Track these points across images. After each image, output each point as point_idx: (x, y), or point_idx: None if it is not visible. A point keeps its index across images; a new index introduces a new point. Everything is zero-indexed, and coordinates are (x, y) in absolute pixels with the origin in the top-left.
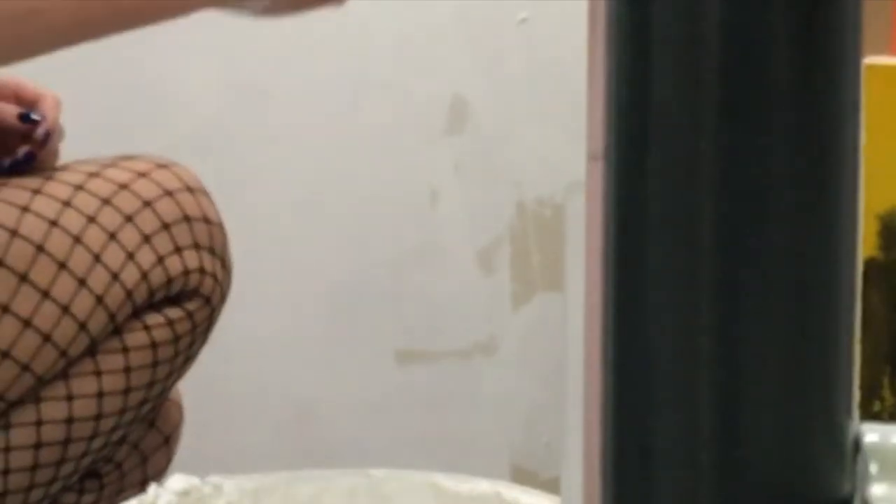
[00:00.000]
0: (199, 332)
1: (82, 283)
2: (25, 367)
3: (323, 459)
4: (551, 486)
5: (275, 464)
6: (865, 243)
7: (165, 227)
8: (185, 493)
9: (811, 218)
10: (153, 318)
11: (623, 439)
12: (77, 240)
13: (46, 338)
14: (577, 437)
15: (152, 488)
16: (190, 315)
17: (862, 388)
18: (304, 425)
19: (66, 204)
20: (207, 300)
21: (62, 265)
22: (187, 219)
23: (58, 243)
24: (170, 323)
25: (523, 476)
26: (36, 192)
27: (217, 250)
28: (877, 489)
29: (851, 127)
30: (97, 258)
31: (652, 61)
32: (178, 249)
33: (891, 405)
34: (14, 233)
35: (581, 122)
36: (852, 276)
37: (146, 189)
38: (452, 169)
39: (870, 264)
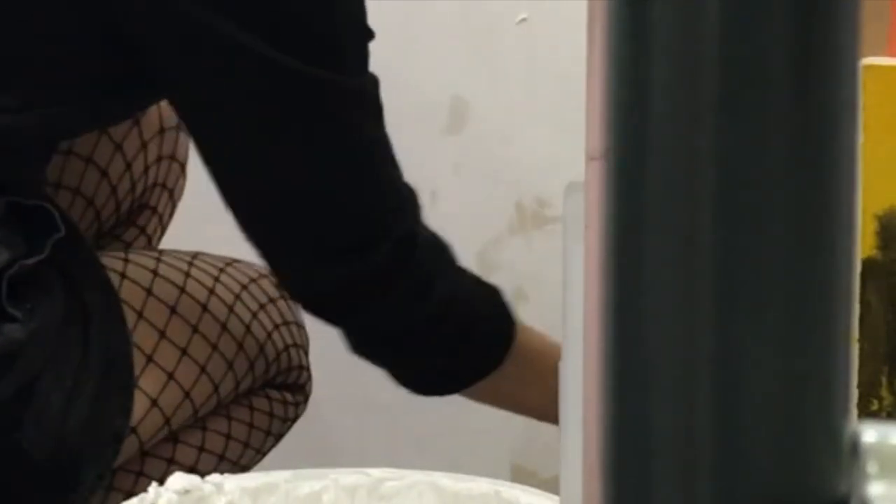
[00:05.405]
0: (288, 423)
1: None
2: (167, 422)
3: (323, 459)
4: (551, 485)
5: (275, 463)
6: (863, 243)
7: (285, 323)
8: (185, 492)
9: (809, 217)
10: (259, 401)
11: (622, 438)
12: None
13: (186, 394)
14: (576, 436)
15: (153, 487)
16: (295, 405)
17: (860, 386)
18: (305, 425)
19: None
20: (306, 398)
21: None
22: (286, 323)
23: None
24: (272, 405)
25: (523, 475)
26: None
27: (306, 351)
28: (875, 488)
29: (849, 127)
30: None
31: (651, 61)
32: (289, 345)
33: (889, 404)
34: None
35: (581, 122)
36: (850, 275)
37: (265, 288)
38: (452, 169)
39: (868, 264)
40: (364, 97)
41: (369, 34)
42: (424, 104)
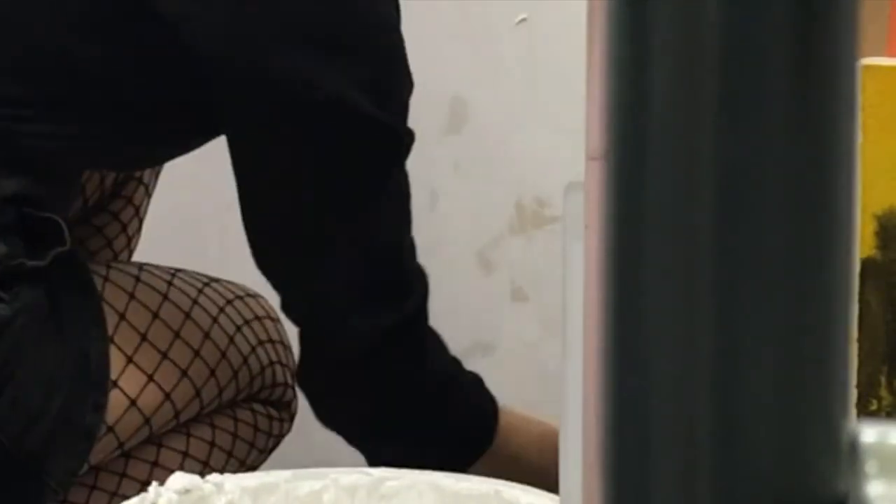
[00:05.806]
0: (273, 438)
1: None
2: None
3: (323, 459)
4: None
5: (275, 463)
6: (862, 243)
7: (270, 341)
8: (185, 492)
9: (808, 218)
10: (242, 413)
11: (622, 438)
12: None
13: (167, 396)
14: (576, 436)
15: (153, 487)
16: (280, 422)
17: (859, 386)
18: (305, 425)
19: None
20: (291, 416)
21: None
22: (272, 341)
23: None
24: (256, 419)
25: None
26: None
27: (292, 371)
28: (874, 488)
29: (848, 127)
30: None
31: (651, 61)
32: (274, 362)
33: (888, 403)
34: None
35: (581, 122)
36: (849, 275)
37: (251, 306)
38: (452, 169)
39: (867, 264)
40: (407, 148)
41: (412, 86)
42: (424, 104)
